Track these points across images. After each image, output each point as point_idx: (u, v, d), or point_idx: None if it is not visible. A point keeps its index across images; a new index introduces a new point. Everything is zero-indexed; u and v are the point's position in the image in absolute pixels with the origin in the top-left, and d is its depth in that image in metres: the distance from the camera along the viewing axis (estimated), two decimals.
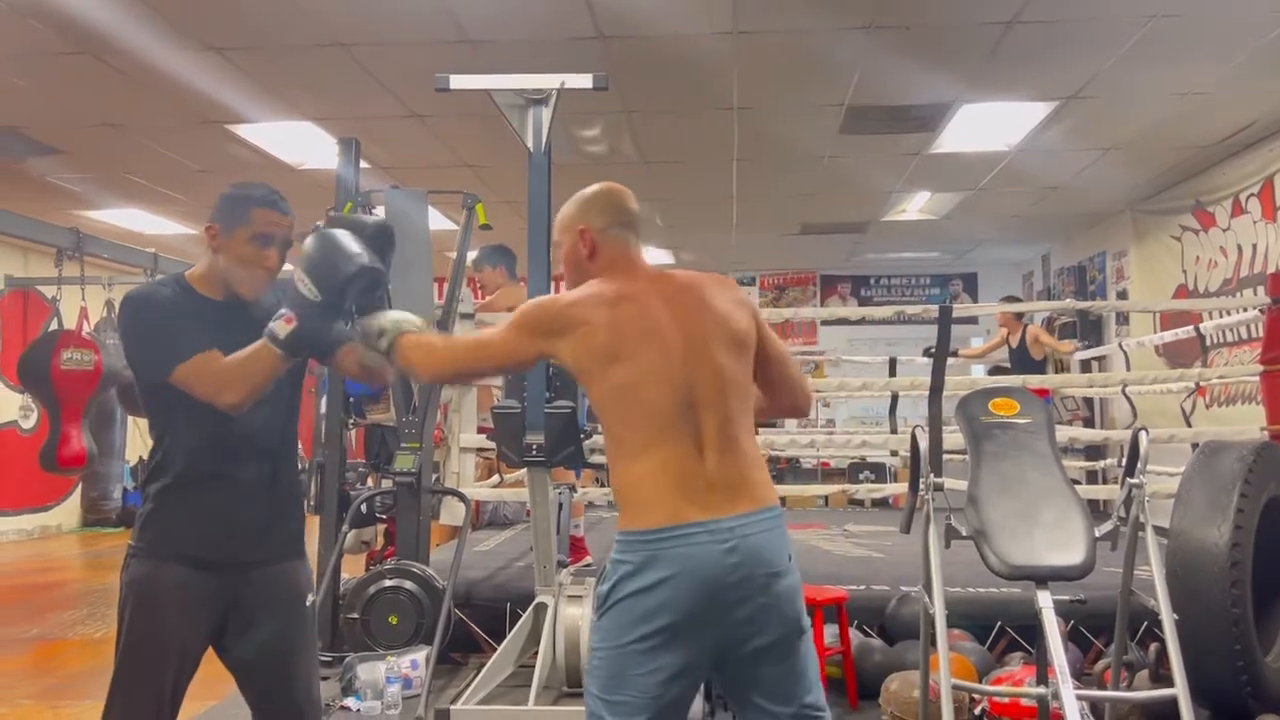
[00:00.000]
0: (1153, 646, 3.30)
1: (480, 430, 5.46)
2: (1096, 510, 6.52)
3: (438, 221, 7.93)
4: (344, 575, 4.57)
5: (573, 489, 4.86)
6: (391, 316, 2.16)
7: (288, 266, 2.19)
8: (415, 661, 3.90)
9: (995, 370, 8.27)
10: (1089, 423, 8.60)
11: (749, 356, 2.03)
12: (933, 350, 6.27)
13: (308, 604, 2.29)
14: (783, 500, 2.44)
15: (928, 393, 4.93)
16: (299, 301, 2.06)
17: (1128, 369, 6.95)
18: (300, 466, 2.38)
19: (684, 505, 1.84)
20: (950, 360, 5.19)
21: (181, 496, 2.11)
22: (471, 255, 5.47)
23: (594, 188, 2.14)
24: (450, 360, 2.17)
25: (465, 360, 2.17)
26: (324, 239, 2.11)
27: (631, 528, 1.87)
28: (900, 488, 5.36)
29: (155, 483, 2.13)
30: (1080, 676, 3.59)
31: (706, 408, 1.90)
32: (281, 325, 2.05)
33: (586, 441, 3.88)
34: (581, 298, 1.97)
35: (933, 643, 2.83)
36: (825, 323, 11.70)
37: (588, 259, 2.07)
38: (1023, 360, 7.69)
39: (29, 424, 9.63)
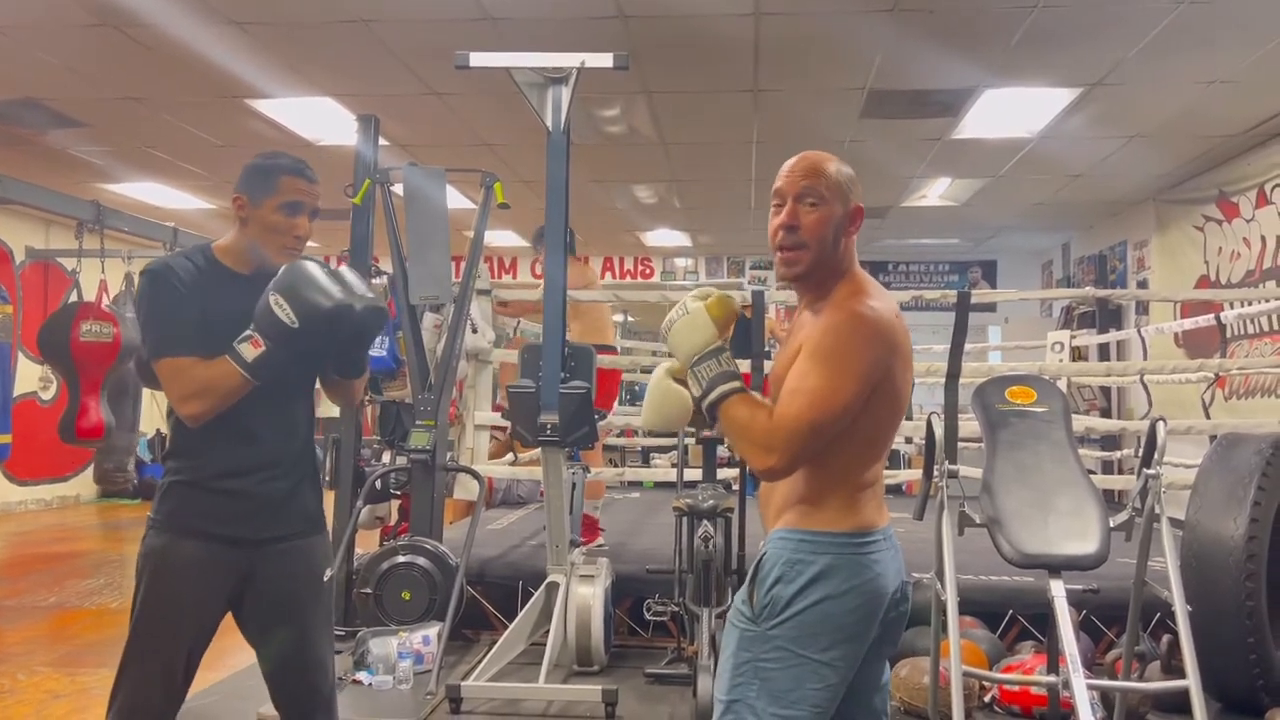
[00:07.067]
0: (1165, 638, 3.29)
1: (495, 408, 5.47)
2: (1112, 500, 6.48)
3: (456, 200, 7.92)
4: (358, 550, 4.61)
5: (587, 469, 4.88)
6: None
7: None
8: (427, 637, 3.92)
9: None
10: (1105, 413, 8.55)
11: None
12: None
13: (325, 579, 2.30)
14: None
15: (944, 379, 4.89)
16: (273, 325, 2.01)
17: (1145, 357, 6.89)
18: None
19: (875, 512, 1.80)
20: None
21: (199, 474, 2.12)
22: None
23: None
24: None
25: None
26: (308, 270, 2.05)
27: (825, 528, 1.75)
28: (913, 474, 5.34)
29: (174, 459, 2.14)
30: (1091, 666, 3.58)
31: None
32: (249, 348, 2.02)
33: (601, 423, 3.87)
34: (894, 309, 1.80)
35: (944, 629, 2.83)
36: None
37: (849, 235, 1.87)
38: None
39: (48, 395, 9.72)
